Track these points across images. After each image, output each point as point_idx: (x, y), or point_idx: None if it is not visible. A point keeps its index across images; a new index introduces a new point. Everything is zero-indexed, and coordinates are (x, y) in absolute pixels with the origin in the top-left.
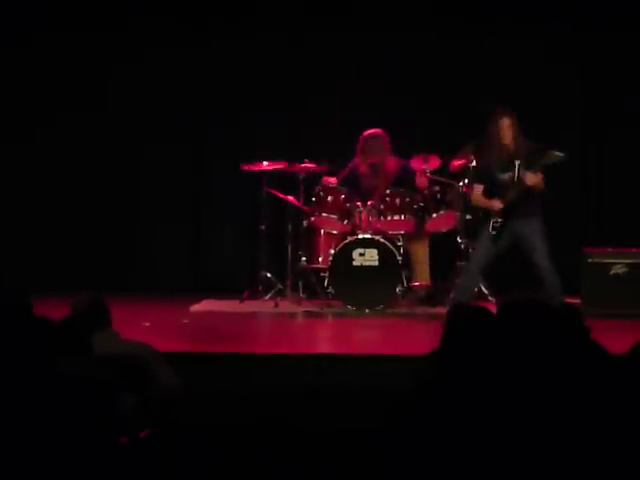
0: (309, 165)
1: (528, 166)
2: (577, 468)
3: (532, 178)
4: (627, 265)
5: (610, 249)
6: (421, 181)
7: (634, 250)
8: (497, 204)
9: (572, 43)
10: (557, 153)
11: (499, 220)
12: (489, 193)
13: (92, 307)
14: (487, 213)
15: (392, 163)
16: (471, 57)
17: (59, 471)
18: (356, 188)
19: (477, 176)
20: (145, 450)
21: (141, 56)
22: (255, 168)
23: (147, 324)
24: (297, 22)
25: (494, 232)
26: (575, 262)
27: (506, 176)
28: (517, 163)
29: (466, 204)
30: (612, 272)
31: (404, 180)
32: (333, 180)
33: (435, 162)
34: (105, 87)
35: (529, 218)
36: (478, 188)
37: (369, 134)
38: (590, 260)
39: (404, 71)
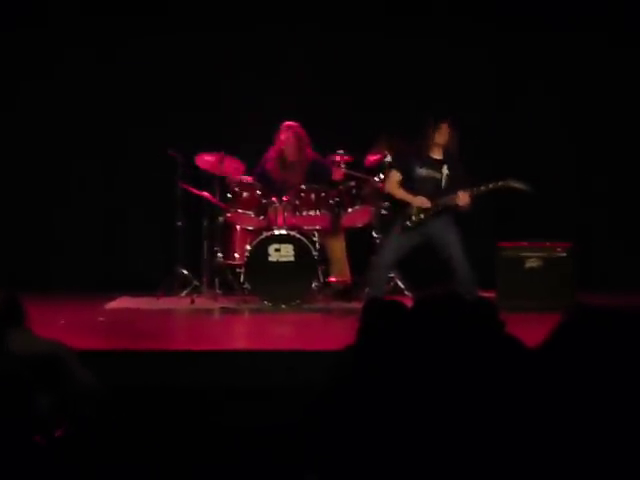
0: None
1: (457, 180)
2: (492, 460)
3: (465, 199)
4: (541, 259)
5: (524, 243)
6: (337, 174)
7: (548, 244)
8: (425, 202)
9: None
10: (522, 183)
11: (421, 217)
12: (404, 184)
13: (6, 304)
14: (402, 206)
15: (307, 155)
16: (389, 54)
17: None
18: (271, 182)
19: (395, 165)
20: (60, 449)
21: (59, 53)
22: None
23: (62, 322)
24: (213, 21)
25: (410, 226)
26: (489, 256)
27: (424, 172)
28: (445, 172)
29: (381, 198)
30: (526, 266)
31: (319, 175)
32: (249, 178)
33: (349, 157)
34: (19, 84)
35: (442, 215)
36: (396, 175)
37: (286, 126)
38: (504, 254)
39: (321, 66)
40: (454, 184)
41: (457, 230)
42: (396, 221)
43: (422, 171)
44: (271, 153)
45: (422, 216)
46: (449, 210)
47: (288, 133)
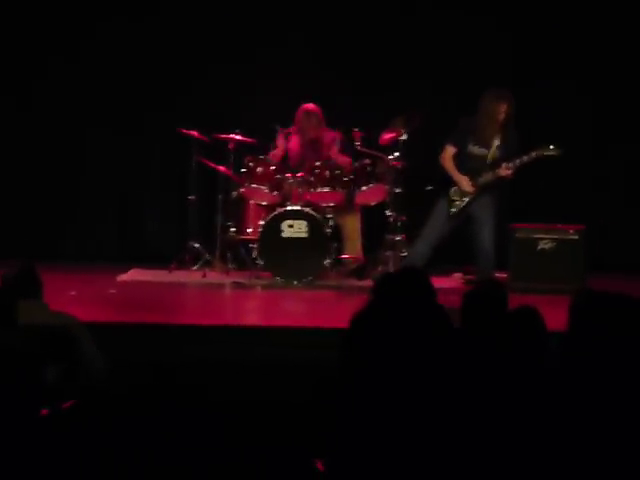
0: (239, 137)
1: (507, 151)
2: (493, 443)
3: (505, 170)
4: (554, 240)
5: (538, 225)
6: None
7: (561, 226)
8: (468, 185)
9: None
10: (552, 148)
11: (464, 200)
12: (456, 160)
13: (22, 276)
14: (447, 183)
15: (329, 137)
16: (404, 32)
17: None
18: (287, 161)
19: (451, 139)
20: (67, 421)
21: (85, 29)
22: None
23: (73, 293)
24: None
25: (454, 210)
26: (503, 237)
27: (476, 150)
28: (495, 143)
29: (396, 177)
30: (539, 247)
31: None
32: (276, 155)
33: (363, 134)
34: (45, 64)
35: (484, 193)
36: (451, 149)
37: (305, 110)
38: (518, 235)
39: (329, 41)
40: (502, 157)
41: (495, 213)
42: (440, 201)
43: (474, 148)
44: (293, 135)
45: (465, 199)
46: (492, 186)
47: (310, 116)
